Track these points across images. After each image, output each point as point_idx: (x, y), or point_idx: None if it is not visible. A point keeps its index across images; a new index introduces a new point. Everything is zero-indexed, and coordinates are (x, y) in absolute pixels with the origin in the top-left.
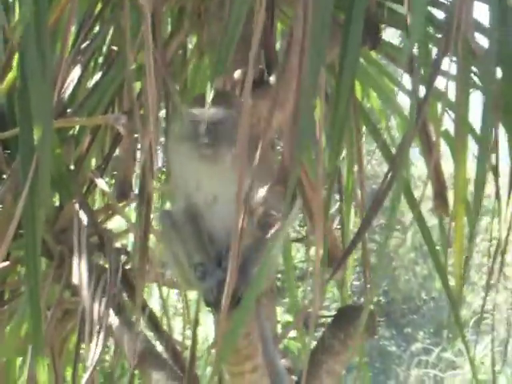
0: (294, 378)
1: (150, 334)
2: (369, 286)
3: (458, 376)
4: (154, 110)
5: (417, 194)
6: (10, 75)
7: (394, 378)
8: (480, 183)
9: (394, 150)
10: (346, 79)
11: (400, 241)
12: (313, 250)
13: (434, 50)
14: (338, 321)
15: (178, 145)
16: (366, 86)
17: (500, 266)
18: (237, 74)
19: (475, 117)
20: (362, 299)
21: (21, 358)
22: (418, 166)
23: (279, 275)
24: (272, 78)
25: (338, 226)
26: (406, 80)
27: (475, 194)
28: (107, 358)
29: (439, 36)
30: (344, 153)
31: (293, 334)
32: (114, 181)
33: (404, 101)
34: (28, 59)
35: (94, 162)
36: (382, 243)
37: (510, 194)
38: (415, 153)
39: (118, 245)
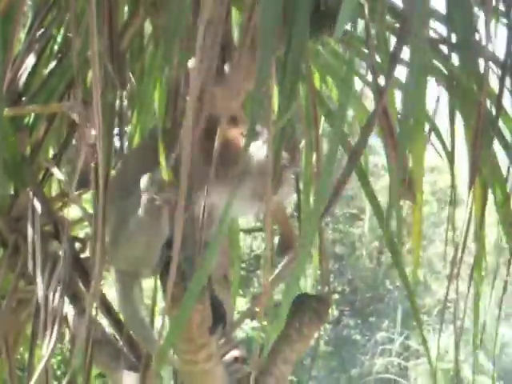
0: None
1: (105, 323)
2: (324, 274)
3: (421, 365)
4: (97, 99)
5: (383, 183)
6: None
7: (359, 366)
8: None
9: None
10: (294, 62)
11: (364, 230)
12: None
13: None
14: (295, 309)
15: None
16: (324, 75)
17: (462, 254)
18: (191, 62)
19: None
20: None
21: None
22: (382, 155)
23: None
24: (226, 66)
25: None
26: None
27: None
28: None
29: (397, 25)
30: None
31: (256, 323)
32: (70, 169)
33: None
34: None
35: (50, 150)
36: (345, 232)
37: (470, 184)
38: (378, 141)
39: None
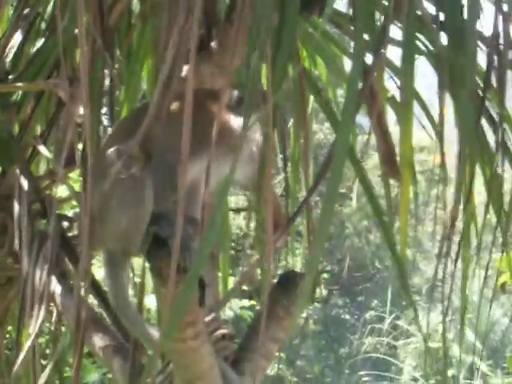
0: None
1: (93, 302)
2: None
3: (411, 344)
4: (85, 76)
5: (372, 162)
6: None
7: (348, 345)
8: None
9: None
10: (286, 41)
11: (353, 209)
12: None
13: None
14: (281, 287)
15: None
16: (313, 54)
17: (450, 233)
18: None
19: (420, 83)
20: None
21: None
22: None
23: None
24: (213, 43)
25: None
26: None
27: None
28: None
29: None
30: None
31: (246, 302)
32: (57, 147)
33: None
34: None
35: (38, 128)
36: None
37: (459, 163)
38: (366, 120)
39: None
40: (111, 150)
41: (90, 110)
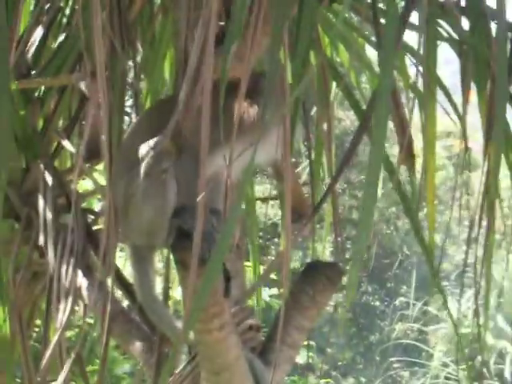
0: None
1: (119, 295)
2: (342, 240)
3: (441, 330)
4: (102, 70)
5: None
6: None
7: (378, 332)
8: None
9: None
10: (305, 29)
11: (379, 196)
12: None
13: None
14: (307, 276)
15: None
16: (335, 41)
17: (480, 219)
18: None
19: (442, 72)
20: (347, 255)
21: None
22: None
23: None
24: None
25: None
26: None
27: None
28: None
29: None
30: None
31: (275, 291)
32: (81, 141)
33: (373, 55)
34: None
35: (61, 122)
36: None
37: (485, 148)
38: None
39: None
40: (142, 145)
41: (108, 103)
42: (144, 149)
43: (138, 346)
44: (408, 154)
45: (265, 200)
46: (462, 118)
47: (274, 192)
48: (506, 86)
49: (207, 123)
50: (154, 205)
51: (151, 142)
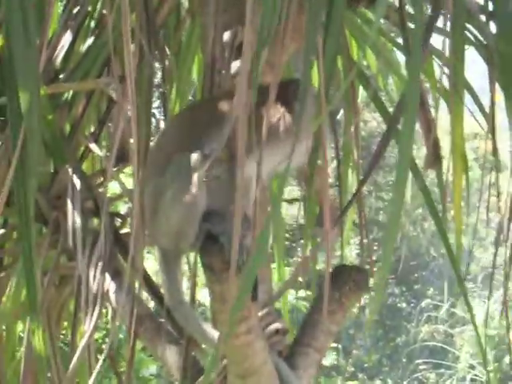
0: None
1: (146, 297)
2: (369, 243)
3: (467, 332)
4: (131, 74)
5: (424, 150)
6: None
7: (405, 334)
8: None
9: (391, 108)
10: (333, 34)
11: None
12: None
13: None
14: (334, 280)
15: None
16: (362, 45)
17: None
18: (226, 36)
19: (470, 73)
20: (374, 257)
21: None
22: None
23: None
24: None
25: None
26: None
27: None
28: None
29: None
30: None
31: (302, 293)
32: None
33: (401, 59)
34: (13, 26)
35: (90, 127)
36: (389, 200)
37: None
38: None
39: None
40: (195, 153)
41: (136, 107)
42: (197, 156)
43: (164, 348)
44: (434, 157)
45: (291, 202)
46: (489, 120)
47: (299, 193)
48: None
49: (244, 129)
50: (184, 208)
51: (206, 150)
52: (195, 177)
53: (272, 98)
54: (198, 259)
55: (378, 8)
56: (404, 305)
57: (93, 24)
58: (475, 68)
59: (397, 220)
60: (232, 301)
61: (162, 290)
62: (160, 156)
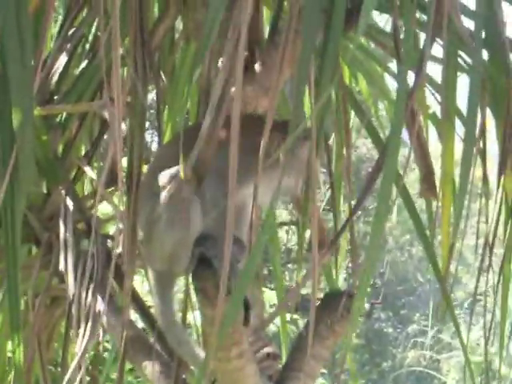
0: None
1: (136, 318)
2: (356, 269)
3: (454, 358)
4: (119, 97)
5: (413, 175)
6: None
7: (391, 359)
8: (467, 164)
9: (382, 134)
10: (330, 61)
11: (394, 224)
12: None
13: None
14: (325, 305)
15: None
16: (354, 71)
17: (491, 247)
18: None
19: (461, 100)
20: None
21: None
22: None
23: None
24: (256, 64)
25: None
26: (395, 65)
27: (461, 175)
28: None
29: (423, 19)
30: (333, 137)
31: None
32: (102, 167)
33: (393, 84)
34: (8, 46)
35: (83, 148)
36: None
37: (499, 176)
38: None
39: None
40: (163, 173)
41: (132, 130)
42: (164, 177)
43: (155, 370)
44: (429, 185)
45: (280, 225)
46: (480, 147)
47: (289, 217)
48: None
49: (235, 154)
50: (177, 233)
51: (172, 170)
52: (163, 197)
53: (269, 124)
54: (190, 282)
55: (360, 25)
56: (390, 330)
57: (87, 47)
58: (464, 92)
59: (378, 241)
60: (219, 323)
61: (154, 311)
62: (153, 179)
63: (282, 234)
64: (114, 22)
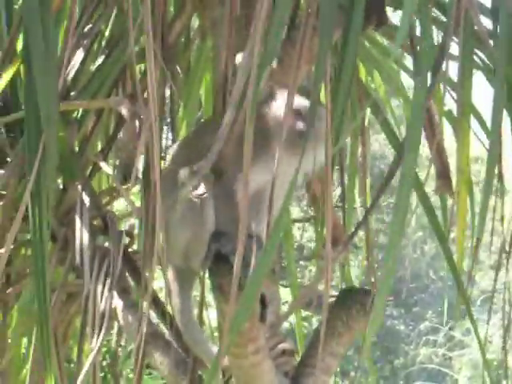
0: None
1: (153, 316)
2: (373, 266)
3: (465, 355)
4: (153, 94)
5: (424, 172)
6: (14, 60)
7: (403, 356)
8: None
9: (397, 131)
10: (349, 58)
11: (408, 220)
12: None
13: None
14: (341, 302)
15: None
16: (370, 68)
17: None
18: (238, 57)
19: (476, 97)
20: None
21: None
22: (426, 145)
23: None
24: (274, 62)
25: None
26: (411, 62)
27: (487, 174)
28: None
29: (442, 18)
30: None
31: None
32: (118, 163)
33: (408, 82)
34: (32, 42)
35: (99, 144)
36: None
37: None
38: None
39: (125, 227)
40: (183, 169)
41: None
42: (183, 173)
43: (171, 367)
44: (445, 181)
45: (293, 222)
46: (492, 146)
47: (301, 214)
48: None
49: (250, 148)
50: (192, 228)
51: (192, 167)
52: (181, 194)
53: (287, 125)
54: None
55: (398, 36)
56: (402, 327)
57: (104, 43)
58: (481, 92)
59: (397, 241)
60: (231, 319)
61: (172, 309)
62: (172, 175)
63: (294, 231)
64: (146, 16)
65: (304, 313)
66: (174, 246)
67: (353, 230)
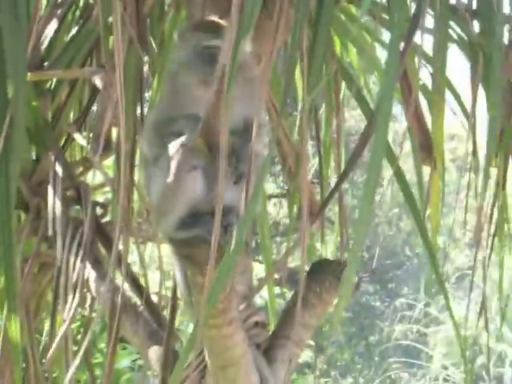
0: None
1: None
2: (347, 241)
3: (441, 331)
4: (120, 64)
5: (403, 150)
6: None
7: (378, 333)
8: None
9: (372, 105)
10: (323, 30)
11: (383, 196)
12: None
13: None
14: (314, 274)
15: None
16: (345, 41)
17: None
18: None
19: (451, 70)
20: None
21: None
22: (403, 122)
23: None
24: None
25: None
26: (387, 36)
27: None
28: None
29: None
30: (322, 107)
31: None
32: (92, 134)
33: (384, 56)
34: (1, 12)
35: (72, 115)
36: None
37: (488, 151)
38: (398, 108)
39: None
40: (173, 143)
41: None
42: (174, 146)
43: (144, 339)
44: (427, 153)
45: (268, 198)
46: (470, 121)
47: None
48: None
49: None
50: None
51: (182, 139)
52: (173, 167)
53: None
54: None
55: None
56: (378, 303)
57: (78, 13)
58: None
59: (368, 213)
60: (207, 289)
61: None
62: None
63: (269, 207)
64: None
65: (278, 289)
66: (152, 200)
67: (327, 203)
